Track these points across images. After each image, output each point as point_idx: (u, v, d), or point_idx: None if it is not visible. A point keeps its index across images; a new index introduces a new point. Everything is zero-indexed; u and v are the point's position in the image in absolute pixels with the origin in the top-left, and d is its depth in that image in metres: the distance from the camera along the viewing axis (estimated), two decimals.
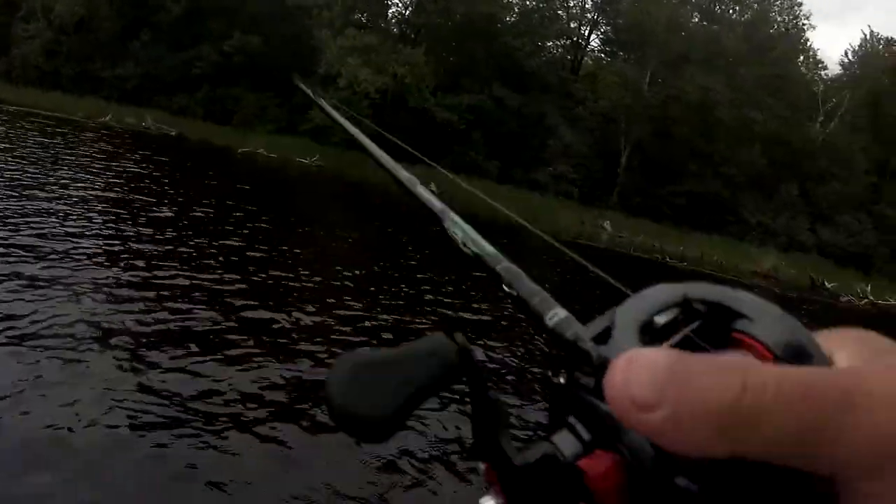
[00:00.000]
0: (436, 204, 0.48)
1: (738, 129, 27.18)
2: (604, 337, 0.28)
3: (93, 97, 25.68)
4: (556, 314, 0.30)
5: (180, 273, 5.79)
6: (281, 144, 22.98)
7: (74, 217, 7.30)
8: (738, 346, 0.25)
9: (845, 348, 0.25)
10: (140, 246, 6.58)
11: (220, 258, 6.80)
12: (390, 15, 26.31)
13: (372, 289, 7.11)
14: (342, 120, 0.84)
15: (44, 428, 2.92)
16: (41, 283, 4.67)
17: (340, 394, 0.29)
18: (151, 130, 23.28)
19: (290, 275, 6.69)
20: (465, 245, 0.41)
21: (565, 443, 0.27)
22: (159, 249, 6.58)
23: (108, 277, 5.25)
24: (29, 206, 7.22)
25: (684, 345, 0.26)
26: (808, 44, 32.24)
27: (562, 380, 0.28)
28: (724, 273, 17.94)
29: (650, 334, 0.26)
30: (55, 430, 2.93)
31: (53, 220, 6.88)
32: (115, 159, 14.41)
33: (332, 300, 6.10)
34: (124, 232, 7.17)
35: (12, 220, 6.42)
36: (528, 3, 27.45)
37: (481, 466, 0.30)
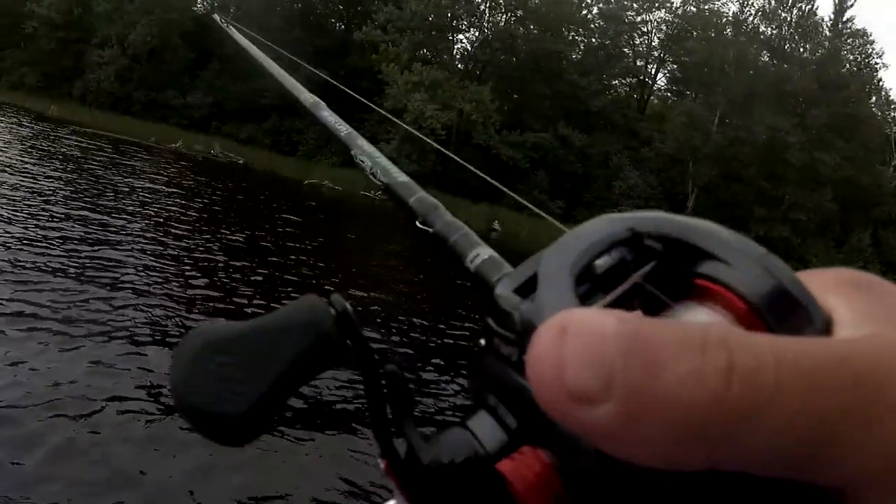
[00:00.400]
0: (341, 129, 0.43)
1: (807, 172, 26.04)
2: (529, 288, 0.20)
3: (163, 124, 26.35)
4: (479, 254, 0.25)
5: (254, 296, 5.65)
6: (345, 177, 23.01)
7: (151, 236, 7.34)
8: (705, 296, 0.18)
9: (844, 300, 0.18)
10: (212, 266, 6.59)
11: (288, 286, 6.71)
12: (456, 51, 26.31)
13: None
14: (249, 46, 0.85)
15: None
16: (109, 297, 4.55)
17: (185, 382, 0.22)
18: (220, 158, 23.66)
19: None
20: (373, 175, 0.37)
21: (485, 431, 0.21)
22: (230, 274, 6.51)
23: (181, 295, 5.20)
24: (109, 224, 7.28)
25: (633, 296, 0.19)
26: (881, 83, 30.94)
27: (482, 341, 0.21)
28: None
29: (590, 283, 0.19)
30: None
31: (132, 238, 6.94)
32: (187, 184, 14.73)
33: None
34: (197, 252, 7.17)
35: (93, 237, 6.44)
36: (593, 40, 27.08)
37: (381, 463, 0.24)
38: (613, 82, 27.45)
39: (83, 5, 31.17)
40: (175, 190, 12.93)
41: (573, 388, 0.14)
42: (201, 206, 11.41)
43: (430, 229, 0.31)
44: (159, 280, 5.42)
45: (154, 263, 5.96)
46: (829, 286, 0.18)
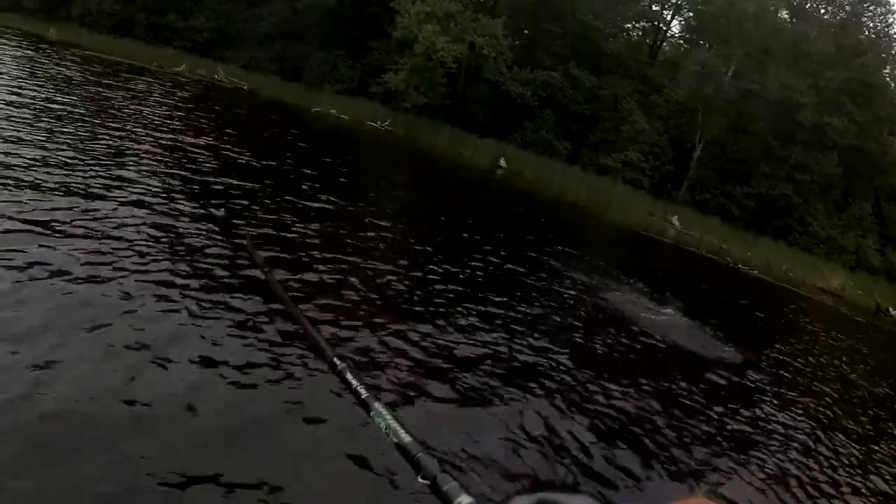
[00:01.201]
0: (362, 391, 0.51)
1: (816, 134, 25.78)
2: None
3: (167, 48, 25.72)
4: (461, 500, 0.34)
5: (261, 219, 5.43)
6: (352, 106, 22.62)
7: (167, 158, 7.03)
8: None
9: None
10: (230, 188, 6.29)
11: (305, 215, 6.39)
12: None
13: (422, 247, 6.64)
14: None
15: None
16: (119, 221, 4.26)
17: None
18: (224, 83, 23.18)
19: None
20: (388, 433, 0.45)
21: None
22: (247, 195, 6.23)
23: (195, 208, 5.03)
24: (120, 146, 6.96)
25: None
26: None
27: None
28: (792, 286, 17.06)
29: None
30: None
31: (143, 160, 6.58)
32: (194, 108, 14.34)
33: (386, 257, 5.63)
34: (211, 174, 6.87)
35: (106, 157, 6.15)
36: None
37: None
38: (626, 25, 26.85)
39: None
40: (182, 114, 12.50)
41: None
42: (211, 130, 11.02)
43: (430, 481, 0.40)
44: (170, 197, 5.21)
45: (167, 183, 5.71)
46: None
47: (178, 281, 3.41)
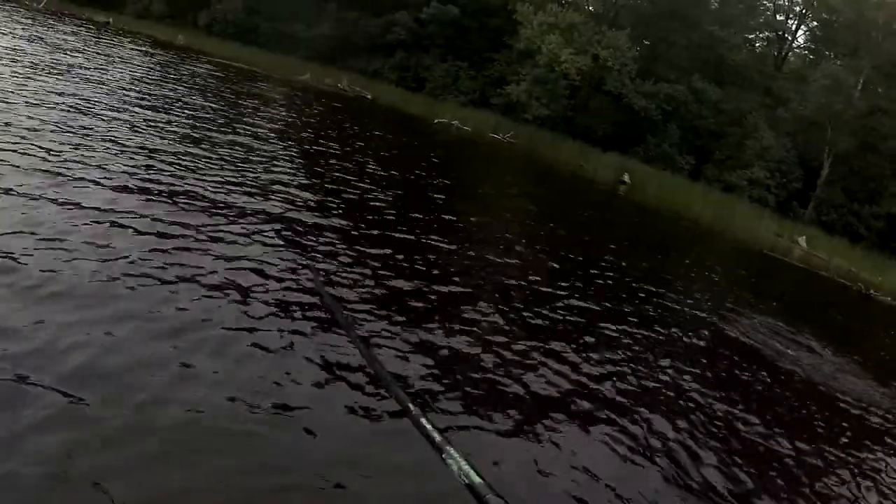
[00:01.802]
0: (436, 437, 0.52)
1: None
2: None
3: (291, 56, 26.91)
4: None
5: (383, 231, 5.74)
6: (474, 117, 23.00)
7: (293, 161, 7.76)
8: None
9: None
10: (351, 197, 6.72)
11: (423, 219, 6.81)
12: None
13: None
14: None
15: None
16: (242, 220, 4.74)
17: None
18: (347, 92, 24.08)
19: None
20: (460, 475, 0.49)
21: None
22: (368, 204, 6.65)
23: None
24: (254, 147, 7.77)
25: None
26: None
27: None
28: None
29: None
30: None
31: (280, 162, 7.37)
32: (321, 116, 15.09)
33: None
34: (335, 180, 7.40)
35: (239, 158, 6.86)
36: None
37: None
38: (750, 36, 25.96)
39: None
40: (309, 120, 13.24)
41: None
42: (338, 138, 11.62)
43: None
44: (303, 199, 5.78)
45: (300, 189, 6.28)
46: None
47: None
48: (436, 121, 22.29)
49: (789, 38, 26.52)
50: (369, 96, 24.21)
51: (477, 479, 0.55)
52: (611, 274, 7.05)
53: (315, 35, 27.29)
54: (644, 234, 13.12)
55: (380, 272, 4.45)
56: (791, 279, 14.97)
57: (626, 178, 21.39)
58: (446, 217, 7.30)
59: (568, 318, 4.86)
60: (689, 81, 23.12)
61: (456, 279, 4.96)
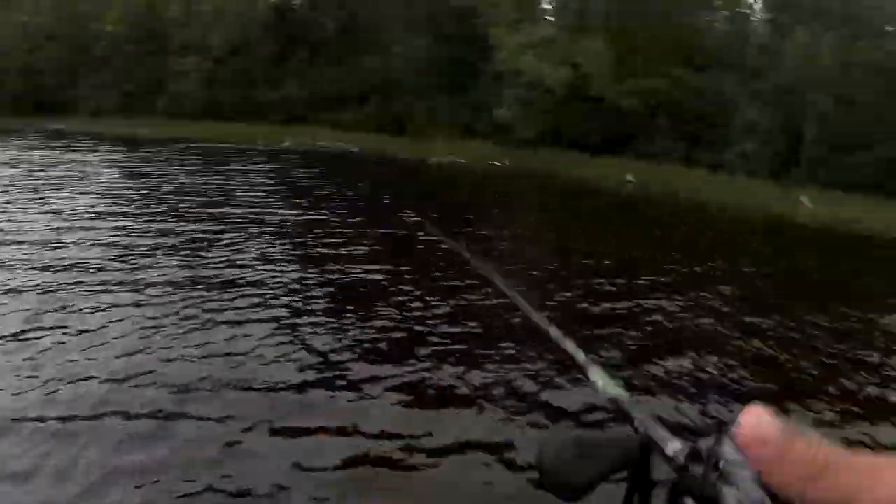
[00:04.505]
0: (581, 357, 0.57)
1: None
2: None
3: (261, 123, 26.10)
4: (674, 445, 0.40)
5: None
6: (467, 148, 22.66)
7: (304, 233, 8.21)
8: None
9: None
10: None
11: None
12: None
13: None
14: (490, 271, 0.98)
15: None
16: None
17: (550, 461, 0.41)
18: (330, 150, 23.38)
19: None
20: (604, 390, 0.53)
21: None
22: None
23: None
24: (264, 219, 8.50)
25: None
26: None
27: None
28: None
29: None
30: None
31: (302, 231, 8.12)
32: (315, 178, 15.18)
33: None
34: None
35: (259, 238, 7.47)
36: None
37: None
38: (715, 18, 26.42)
39: (150, 13, 30.78)
40: (307, 184, 13.52)
41: (759, 436, 0.33)
42: (341, 204, 11.62)
43: (643, 429, 0.44)
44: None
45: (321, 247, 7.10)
46: None
47: None
48: (432, 159, 21.77)
49: (749, 12, 27.12)
50: (355, 148, 23.55)
51: (623, 393, 0.39)
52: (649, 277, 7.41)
53: (283, 96, 26.61)
54: (692, 233, 13.00)
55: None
56: (807, 244, 14.71)
57: (630, 176, 21.27)
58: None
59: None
60: (668, 72, 23.31)
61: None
